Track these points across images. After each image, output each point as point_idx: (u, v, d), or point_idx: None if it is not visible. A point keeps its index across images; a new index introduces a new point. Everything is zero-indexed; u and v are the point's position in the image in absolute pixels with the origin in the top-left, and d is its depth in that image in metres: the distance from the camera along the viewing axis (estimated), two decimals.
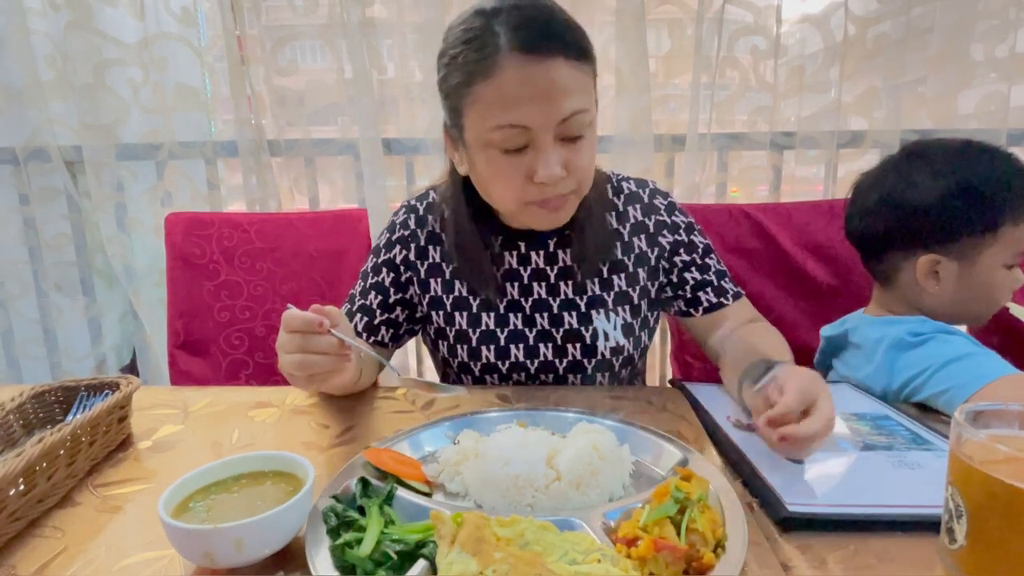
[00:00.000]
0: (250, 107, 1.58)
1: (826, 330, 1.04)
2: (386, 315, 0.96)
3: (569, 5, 0.83)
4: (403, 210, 1.00)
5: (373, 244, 1.01)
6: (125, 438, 0.75)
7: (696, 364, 1.37)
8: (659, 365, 1.66)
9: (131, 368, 1.78)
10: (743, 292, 0.99)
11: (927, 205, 0.89)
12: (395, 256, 0.96)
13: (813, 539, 0.54)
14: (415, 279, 0.96)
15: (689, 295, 0.97)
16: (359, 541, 0.49)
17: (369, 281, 0.97)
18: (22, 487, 0.56)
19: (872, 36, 1.50)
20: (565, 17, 0.77)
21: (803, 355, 1.31)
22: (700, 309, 0.97)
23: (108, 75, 1.56)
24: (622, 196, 0.98)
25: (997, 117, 1.48)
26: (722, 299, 0.96)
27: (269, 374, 1.39)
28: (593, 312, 0.93)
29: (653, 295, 0.97)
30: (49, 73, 1.56)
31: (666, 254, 0.97)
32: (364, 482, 0.56)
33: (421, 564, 0.46)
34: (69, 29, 1.51)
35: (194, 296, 1.37)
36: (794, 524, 0.55)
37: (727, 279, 0.99)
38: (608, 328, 0.92)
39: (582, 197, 0.87)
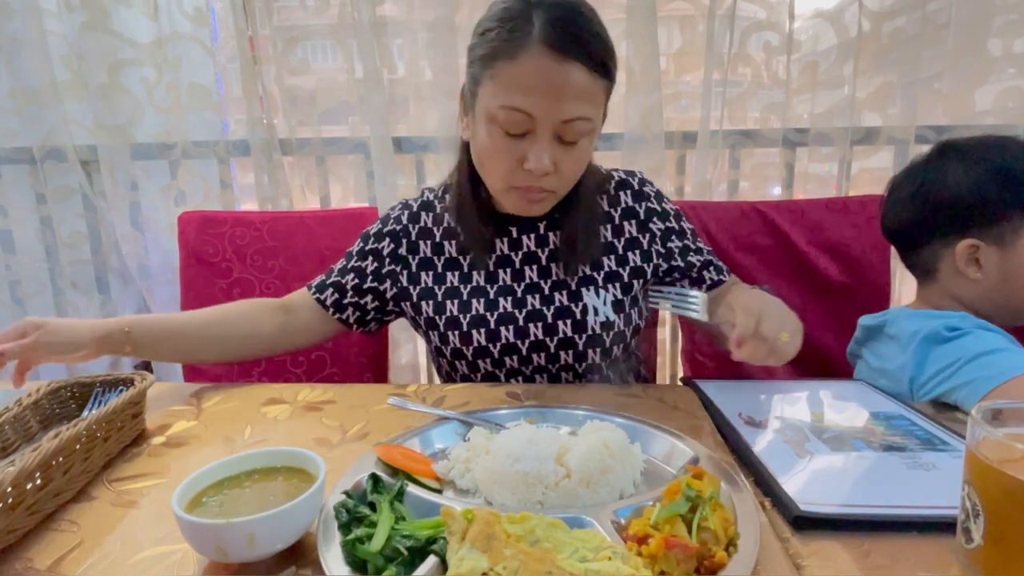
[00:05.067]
0: (262, 106, 1.59)
1: (865, 319, 1.04)
2: (355, 299, 1.01)
3: None
4: (398, 207, 1.05)
5: (364, 231, 1.05)
6: (139, 434, 0.76)
7: (708, 363, 1.36)
8: (670, 364, 1.65)
9: (145, 365, 1.79)
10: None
11: (962, 192, 0.88)
12: (383, 248, 1.01)
13: (826, 539, 0.53)
14: (404, 273, 1.00)
15: (695, 275, 1.02)
16: (370, 537, 0.49)
17: (351, 263, 1.02)
18: (39, 481, 0.57)
19: (887, 31, 1.48)
20: (598, 30, 0.81)
21: (816, 353, 1.30)
22: (704, 287, 1.02)
23: (123, 75, 1.57)
24: (612, 182, 1.02)
25: (1015, 113, 1.46)
26: (721, 276, 1.02)
27: (281, 371, 1.39)
28: (583, 289, 0.95)
29: (648, 276, 1.00)
30: (65, 74, 1.58)
31: (658, 240, 1.01)
32: (375, 478, 0.57)
33: (432, 560, 0.47)
34: (84, 30, 1.53)
35: (207, 294, 1.38)
36: (807, 524, 0.55)
37: (716, 258, 1.05)
38: (598, 303, 0.95)
39: (559, 199, 0.92)
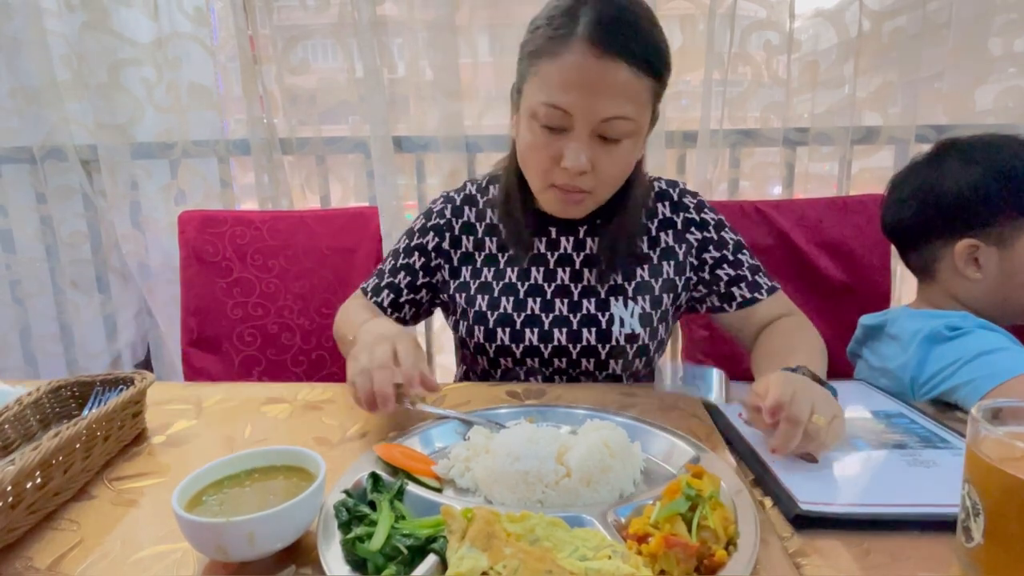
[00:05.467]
0: (262, 106, 1.59)
1: (866, 319, 1.03)
2: (412, 295, 1.01)
3: None
4: (441, 200, 1.04)
5: (408, 226, 1.05)
6: (140, 433, 0.76)
7: (707, 362, 1.36)
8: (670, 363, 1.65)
9: (145, 364, 1.80)
10: (779, 286, 0.99)
11: (962, 191, 0.88)
12: (427, 242, 1.00)
13: (826, 538, 0.53)
14: (446, 267, 1.00)
15: (722, 291, 0.98)
16: (370, 536, 0.49)
17: (400, 261, 1.02)
18: (39, 480, 0.57)
19: (887, 31, 1.48)
20: (647, 29, 0.79)
21: None
22: (733, 305, 0.98)
23: (123, 75, 1.57)
24: (652, 193, 1.00)
25: (1016, 112, 1.46)
26: (756, 294, 0.97)
27: (281, 370, 1.40)
28: (612, 299, 0.94)
29: (679, 290, 0.98)
30: (65, 73, 1.58)
31: (694, 251, 0.98)
32: (375, 477, 0.57)
33: (431, 559, 0.47)
34: (84, 30, 1.53)
35: (207, 293, 1.38)
36: (807, 522, 0.55)
37: (761, 274, 0.99)
38: (625, 315, 0.93)
39: (599, 203, 0.90)
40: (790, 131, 1.54)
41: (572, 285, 0.95)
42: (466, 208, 1.02)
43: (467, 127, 1.58)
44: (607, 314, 0.93)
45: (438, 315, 1.80)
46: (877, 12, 1.47)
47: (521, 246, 0.96)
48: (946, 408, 0.82)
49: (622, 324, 0.93)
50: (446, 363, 1.73)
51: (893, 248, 1.22)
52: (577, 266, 0.96)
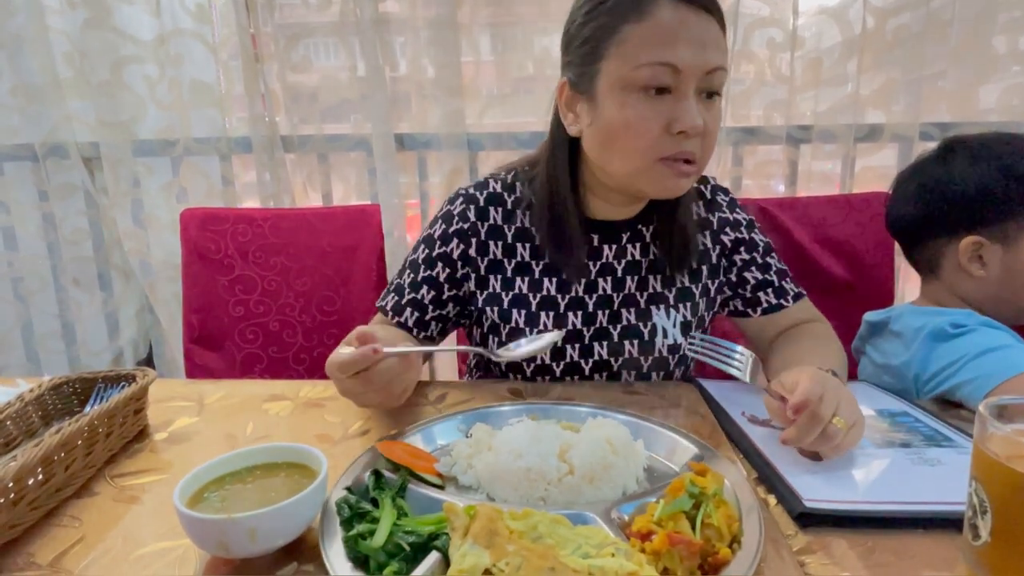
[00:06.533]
0: (264, 104, 1.59)
1: (870, 315, 1.03)
2: (438, 311, 0.93)
3: None
4: (460, 200, 0.93)
5: (425, 232, 0.94)
6: (142, 429, 0.76)
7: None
8: None
9: (147, 362, 1.80)
10: (804, 293, 0.97)
11: (967, 189, 0.88)
12: (452, 250, 0.91)
13: (830, 535, 0.53)
14: (472, 275, 0.91)
15: (748, 295, 0.95)
16: (372, 532, 0.48)
17: (421, 274, 0.92)
18: (40, 476, 0.57)
19: (891, 28, 1.47)
20: None
21: None
22: (759, 310, 0.95)
23: (125, 72, 1.57)
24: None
25: (1020, 110, 1.46)
26: (782, 300, 0.95)
27: (283, 368, 1.39)
28: (653, 308, 0.90)
29: (712, 294, 0.95)
30: (67, 71, 1.58)
31: (727, 251, 0.95)
32: (377, 474, 0.56)
33: (434, 556, 0.46)
34: (86, 27, 1.53)
35: (209, 291, 1.38)
36: (811, 520, 0.54)
37: (788, 279, 0.97)
38: (667, 325, 0.89)
39: (700, 173, 0.83)
40: (793, 129, 1.53)
41: (615, 295, 0.90)
42: (491, 209, 0.92)
43: (469, 125, 1.58)
44: (649, 324, 0.89)
45: None
46: (881, 9, 1.46)
47: (575, 269, 0.89)
48: (950, 406, 0.81)
49: (665, 335, 0.89)
50: (445, 368, 1.74)
51: (897, 245, 1.21)
52: (619, 274, 0.90)
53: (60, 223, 1.67)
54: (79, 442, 0.62)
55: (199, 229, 1.38)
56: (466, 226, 0.91)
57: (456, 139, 1.57)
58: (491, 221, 0.92)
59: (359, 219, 1.42)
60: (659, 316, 0.90)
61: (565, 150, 0.87)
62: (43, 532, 0.56)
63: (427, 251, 0.92)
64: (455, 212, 0.92)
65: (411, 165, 1.65)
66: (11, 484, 0.52)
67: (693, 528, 0.48)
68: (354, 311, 1.40)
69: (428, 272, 0.92)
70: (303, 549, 0.52)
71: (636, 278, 0.91)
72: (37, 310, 1.74)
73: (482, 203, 0.92)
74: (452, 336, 1.11)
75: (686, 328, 0.91)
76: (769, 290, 0.95)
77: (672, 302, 0.91)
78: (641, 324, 0.89)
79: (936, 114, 1.51)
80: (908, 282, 1.49)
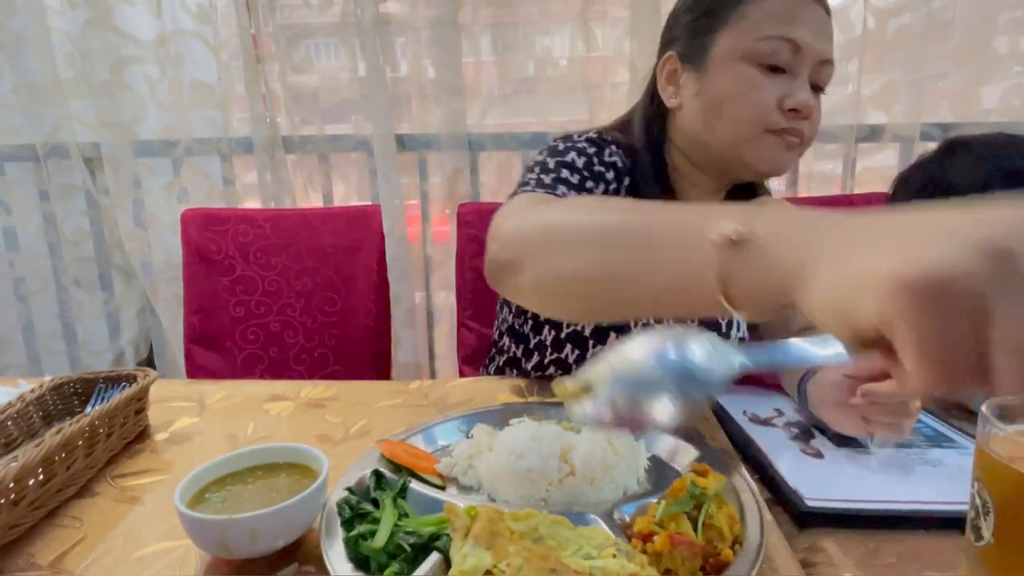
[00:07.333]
0: (265, 104, 1.59)
1: None
2: None
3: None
4: (593, 148, 0.83)
5: (565, 151, 0.82)
6: (143, 430, 0.76)
7: None
8: None
9: (148, 362, 1.80)
10: None
11: (969, 189, 0.88)
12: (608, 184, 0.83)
13: (832, 536, 0.53)
14: None
15: None
16: (373, 533, 0.48)
17: (575, 176, 0.80)
18: (41, 477, 0.57)
19: (892, 29, 1.47)
20: None
21: None
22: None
23: (126, 72, 1.57)
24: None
25: (1021, 111, 1.45)
26: None
27: (283, 368, 1.39)
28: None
29: None
30: (68, 71, 1.58)
31: None
32: (378, 475, 0.56)
33: (435, 557, 0.46)
34: (87, 27, 1.53)
35: (210, 291, 1.38)
36: (813, 520, 0.54)
37: None
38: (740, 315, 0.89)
39: (802, 153, 0.82)
40: None
41: None
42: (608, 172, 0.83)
43: (470, 125, 1.58)
44: (727, 316, 0.88)
45: (438, 313, 1.79)
46: (882, 10, 1.46)
47: None
48: (951, 407, 0.81)
49: (738, 327, 0.88)
50: (446, 368, 1.74)
51: None
52: None
53: (61, 223, 1.67)
54: (80, 442, 0.62)
55: (200, 229, 1.38)
56: (610, 177, 0.83)
57: (457, 139, 1.57)
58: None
59: (360, 219, 1.42)
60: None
61: (658, 125, 0.85)
62: (44, 533, 0.56)
63: (582, 160, 0.81)
64: (591, 153, 0.83)
65: (412, 165, 1.64)
66: (12, 484, 0.52)
67: (695, 529, 0.48)
68: (355, 311, 1.40)
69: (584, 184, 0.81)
70: (304, 550, 0.52)
71: None
72: (38, 310, 1.74)
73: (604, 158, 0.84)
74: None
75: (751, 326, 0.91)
76: None
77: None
78: (720, 315, 0.88)
79: (937, 114, 1.51)
80: None
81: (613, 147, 0.85)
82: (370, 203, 1.61)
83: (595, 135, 0.86)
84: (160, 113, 1.61)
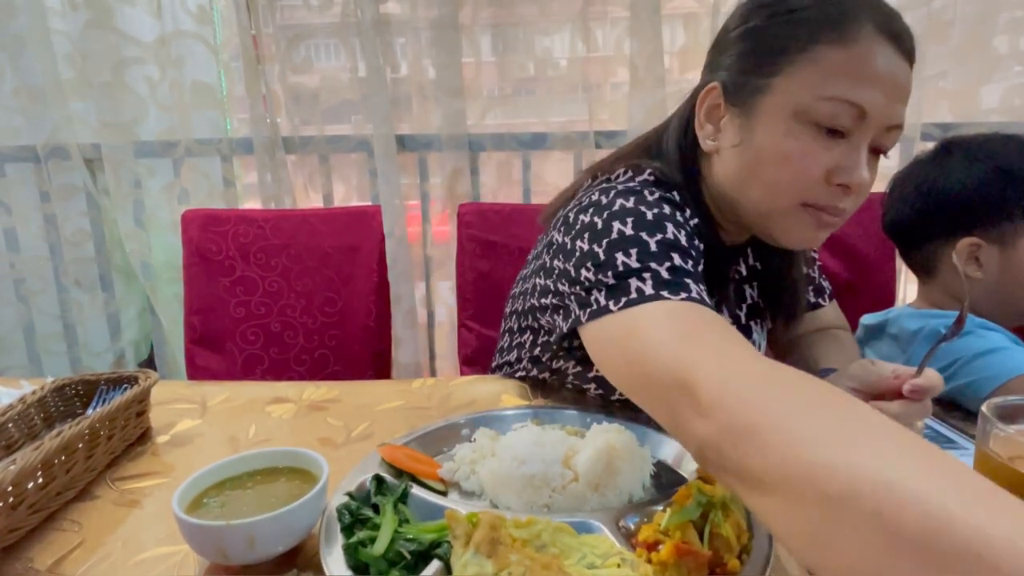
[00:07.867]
0: (265, 105, 1.59)
1: (867, 318, 1.03)
2: None
3: None
4: (665, 204, 0.68)
5: (655, 221, 0.64)
6: (144, 432, 0.76)
7: None
8: None
9: (149, 363, 1.80)
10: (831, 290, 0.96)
11: (964, 190, 0.87)
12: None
13: None
14: None
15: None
16: (373, 540, 0.48)
17: (690, 263, 0.63)
18: (40, 480, 0.56)
19: None
20: None
21: None
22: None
23: (126, 73, 1.57)
24: None
25: (1021, 111, 1.45)
26: (820, 299, 0.93)
27: (284, 369, 1.39)
28: (752, 323, 0.84)
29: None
30: (69, 72, 1.57)
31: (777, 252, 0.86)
32: (379, 480, 0.56)
33: (435, 565, 0.46)
34: (88, 28, 1.52)
35: (210, 292, 1.38)
36: None
37: (823, 277, 0.95)
38: (763, 339, 0.86)
39: (837, 229, 0.72)
40: None
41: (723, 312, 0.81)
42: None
43: (470, 126, 1.58)
44: (750, 341, 0.79)
45: (438, 313, 1.78)
46: None
47: (727, 288, 0.78)
48: (951, 408, 0.81)
49: (759, 349, 0.85)
50: (446, 368, 1.73)
51: None
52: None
53: (62, 224, 1.66)
54: (80, 445, 0.62)
55: (200, 230, 1.38)
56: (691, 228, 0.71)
57: (457, 140, 1.57)
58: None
59: (360, 220, 1.41)
60: (757, 331, 0.84)
61: (692, 158, 0.75)
62: (43, 536, 0.56)
63: (682, 235, 0.65)
64: (670, 214, 0.68)
65: (412, 166, 1.64)
66: (10, 488, 0.52)
67: (701, 538, 0.47)
68: (355, 312, 1.39)
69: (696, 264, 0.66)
70: (303, 556, 0.51)
71: (739, 294, 0.84)
72: (39, 311, 1.74)
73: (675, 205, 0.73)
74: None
75: (770, 340, 0.89)
76: (810, 288, 0.92)
77: (766, 314, 0.87)
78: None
79: (937, 114, 1.50)
80: (911, 283, 1.47)
81: (674, 192, 0.73)
82: (370, 203, 1.60)
83: (651, 178, 0.74)
84: (160, 114, 1.61)
